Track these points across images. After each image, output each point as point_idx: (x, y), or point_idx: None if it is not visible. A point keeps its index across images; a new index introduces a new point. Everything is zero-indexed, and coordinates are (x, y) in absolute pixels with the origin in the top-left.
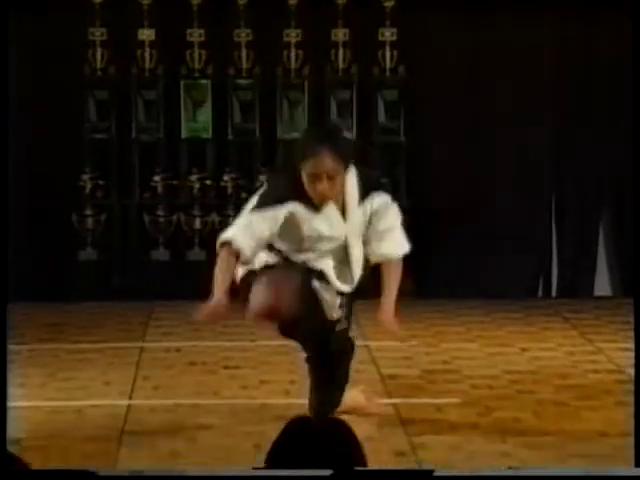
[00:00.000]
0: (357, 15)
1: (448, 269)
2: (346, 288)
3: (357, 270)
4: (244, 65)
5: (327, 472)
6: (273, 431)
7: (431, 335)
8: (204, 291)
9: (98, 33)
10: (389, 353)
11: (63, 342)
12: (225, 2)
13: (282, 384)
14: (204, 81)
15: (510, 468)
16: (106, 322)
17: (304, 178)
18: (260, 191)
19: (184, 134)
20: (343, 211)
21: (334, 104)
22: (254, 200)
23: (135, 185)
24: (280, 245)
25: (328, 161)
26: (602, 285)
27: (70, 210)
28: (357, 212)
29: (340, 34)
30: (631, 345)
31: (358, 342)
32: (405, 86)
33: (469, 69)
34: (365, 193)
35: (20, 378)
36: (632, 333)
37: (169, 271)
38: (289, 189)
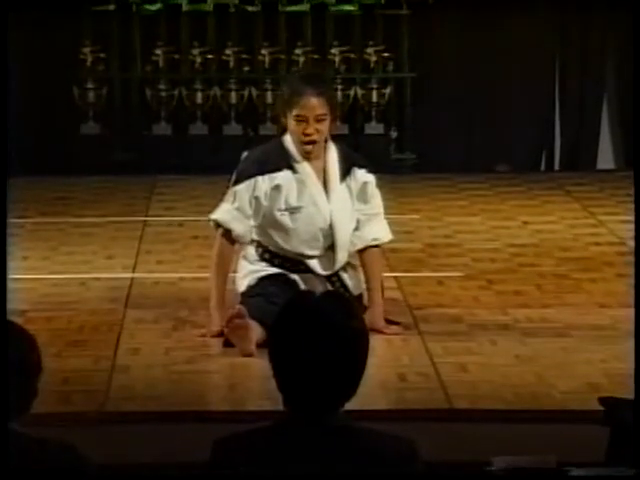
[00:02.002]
0: None
1: (452, 143)
2: (328, 273)
3: (341, 254)
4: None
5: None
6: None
7: (434, 209)
8: (206, 165)
9: None
10: (391, 227)
11: (66, 216)
12: None
13: None
14: None
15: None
16: (109, 196)
17: (290, 126)
18: (240, 162)
19: (185, 7)
20: (325, 189)
21: None
22: (233, 177)
23: (136, 58)
24: (263, 237)
25: (316, 102)
26: (605, 158)
27: (71, 83)
28: (340, 189)
29: None
30: (633, 217)
31: None
32: None
33: None
34: (346, 169)
35: (24, 251)
36: (633, 205)
37: (171, 145)
38: (271, 157)
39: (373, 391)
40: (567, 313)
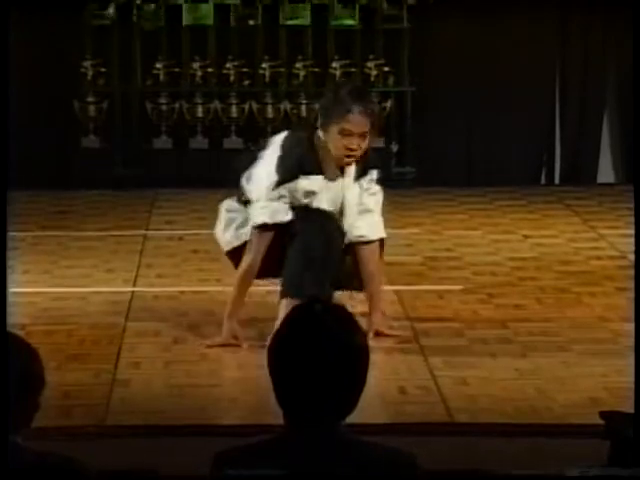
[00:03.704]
0: None
1: (452, 157)
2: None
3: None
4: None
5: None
6: (276, 319)
7: (434, 223)
8: (206, 179)
9: None
10: (391, 240)
11: (67, 229)
12: None
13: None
14: None
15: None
16: (109, 210)
17: (332, 137)
18: (277, 155)
19: (186, 21)
20: (341, 185)
21: None
22: (272, 167)
23: (137, 72)
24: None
25: (363, 119)
26: (605, 172)
27: (72, 97)
28: (354, 189)
29: None
30: (633, 231)
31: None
32: None
33: None
34: (362, 170)
35: (24, 265)
36: (634, 219)
37: (172, 159)
38: (300, 158)
39: (373, 404)
40: (567, 327)
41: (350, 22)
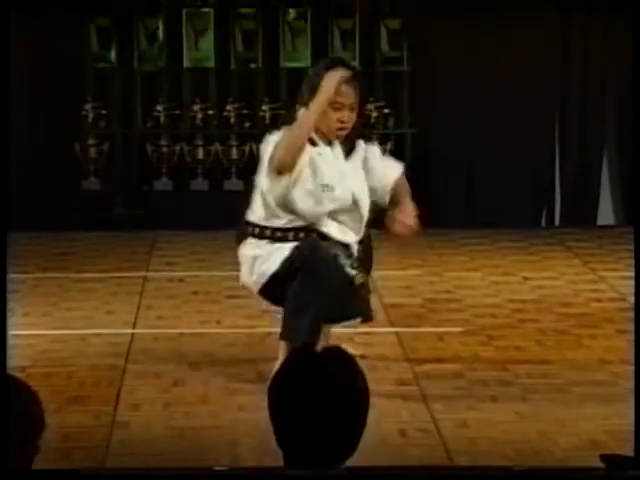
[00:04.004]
0: None
1: (452, 198)
2: (354, 238)
3: (365, 214)
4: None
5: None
6: (276, 360)
7: (434, 264)
8: (207, 221)
9: None
10: (391, 282)
11: (67, 271)
12: None
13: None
14: (206, 10)
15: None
16: (109, 252)
17: (324, 113)
18: (275, 138)
19: (186, 63)
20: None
21: (337, 33)
22: (270, 149)
23: (137, 114)
24: (295, 204)
25: (352, 90)
26: (605, 214)
27: (73, 140)
28: (352, 159)
29: None
30: (633, 274)
31: None
32: (408, 15)
33: None
34: (349, 149)
35: (24, 307)
36: (634, 261)
37: (172, 201)
38: None
39: (373, 447)
40: (568, 369)
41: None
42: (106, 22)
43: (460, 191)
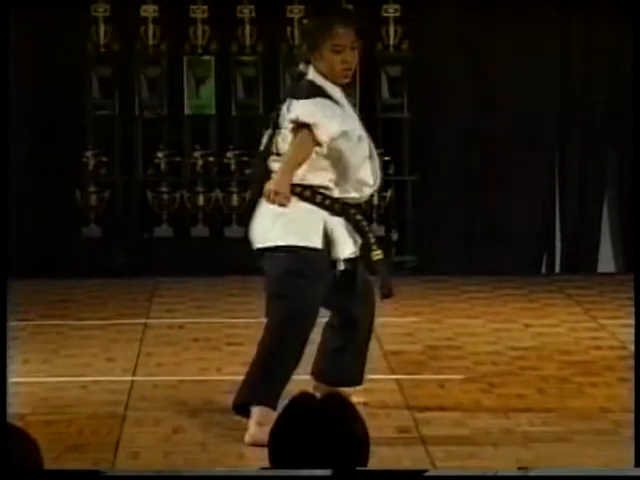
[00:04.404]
0: None
1: (453, 245)
2: (376, 186)
3: (378, 176)
4: (247, 41)
5: (326, 472)
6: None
7: (435, 311)
8: (207, 268)
9: (101, 9)
10: (392, 329)
11: (67, 319)
12: None
13: None
14: (207, 57)
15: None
16: (110, 299)
17: (326, 58)
18: (297, 99)
19: (187, 111)
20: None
21: None
22: (296, 108)
23: (138, 162)
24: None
25: (349, 30)
26: (605, 262)
27: (73, 187)
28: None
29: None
30: (633, 321)
31: None
32: (409, 62)
33: (472, 45)
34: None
35: (24, 354)
36: (634, 309)
37: (172, 248)
38: (315, 90)
39: None
40: (569, 417)
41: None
42: (107, 70)
43: (460, 238)
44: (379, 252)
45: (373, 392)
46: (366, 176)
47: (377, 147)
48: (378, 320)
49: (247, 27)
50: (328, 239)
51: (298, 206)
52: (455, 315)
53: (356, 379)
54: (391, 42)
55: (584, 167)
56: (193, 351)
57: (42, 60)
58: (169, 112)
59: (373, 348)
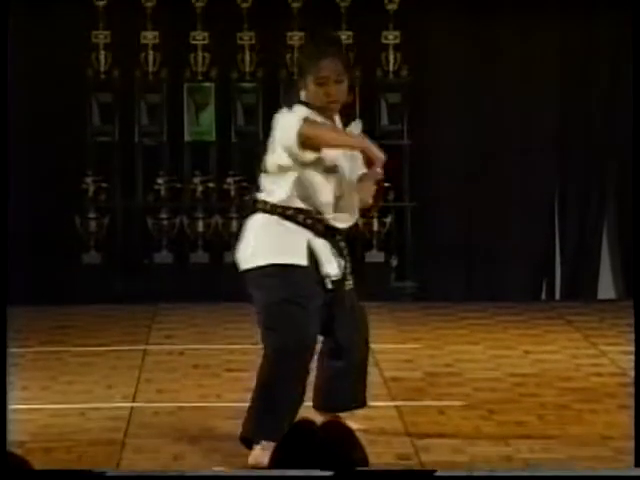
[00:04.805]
0: (360, 18)
1: (452, 272)
2: (346, 224)
3: (354, 204)
4: (247, 68)
5: (329, 473)
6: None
7: (435, 338)
8: (207, 294)
9: (102, 36)
10: (392, 355)
11: (66, 345)
12: (228, 5)
13: None
14: (207, 84)
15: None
16: (109, 325)
17: (310, 90)
18: (279, 121)
19: (187, 137)
20: None
21: None
22: (285, 121)
23: (138, 188)
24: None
25: (336, 62)
26: (605, 288)
27: (73, 213)
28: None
29: (343, 37)
30: (633, 348)
31: None
32: (408, 89)
33: (472, 71)
34: (345, 123)
35: (24, 381)
36: (634, 336)
37: (172, 274)
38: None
39: None
40: (569, 444)
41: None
42: (107, 96)
43: (460, 264)
44: (351, 282)
45: (373, 419)
46: (327, 210)
47: None
48: (378, 346)
49: (247, 54)
50: (313, 257)
51: (281, 225)
52: (455, 341)
53: (358, 399)
54: (391, 69)
55: (584, 194)
56: (193, 377)
57: (42, 86)
58: (169, 138)
59: (373, 374)
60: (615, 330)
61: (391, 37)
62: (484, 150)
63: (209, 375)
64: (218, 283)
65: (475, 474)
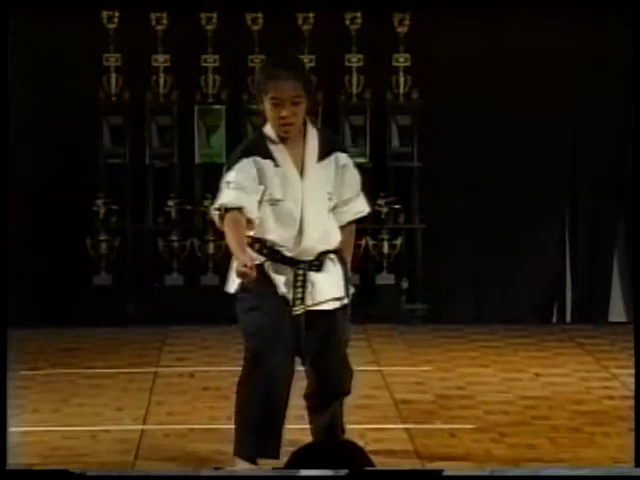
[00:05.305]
0: (370, 41)
1: (463, 294)
2: (303, 257)
3: (314, 236)
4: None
5: (328, 472)
6: (287, 456)
7: (446, 360)
8: (217, 316)
9: (113, 59)
10: (402, 378)
11: (77, 367)
12: (239, 28)
13: (296, 409)
14: (218, 106)
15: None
16: (120, 347)
17: (267, 111)
18: (228, 159)
19: (198, 159)
20: (302, 171)
21: (348, 129)
22: (224, 170)
23: (149, 210)
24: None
25: (291, 83)
26: (616, 311)
27: (84, 235)
28: (316, 170)
29: (354, 59)
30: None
31: (372, 367)
32: (418, 111)
33: (482, 94)
34: (327, 152)
35: (34, 403)
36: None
37: (183, 296)
38: (252, 147)
39: None
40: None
41: (361, 160)
42: (118, 119)
43: (470, 286)
44: (298, 309)
45: (383, 441)
46: (281, 240)
47: (387, 195)
48: (388, 369)
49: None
50: (266, 277)
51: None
52: (466, 364)
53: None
54: (401, 91)
55: (595, 216)
56: (204, 400)
57: (53, 108)
58: (180, 160)
59: (383, 397)
60: (626, 353)
61: (401, 60)
62: (494, 172)
63: (220, 397)
64: (228, 305)
65: (480, 474)
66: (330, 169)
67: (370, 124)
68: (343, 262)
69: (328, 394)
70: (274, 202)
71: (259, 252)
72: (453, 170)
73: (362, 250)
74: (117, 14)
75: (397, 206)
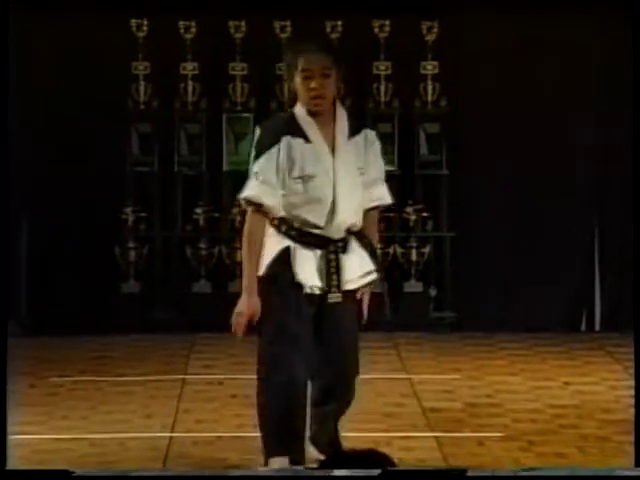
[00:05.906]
0: (399, 48)
1: (491, 302)
2: (334, 234)
3: (347, 211)
4: (286, 98)
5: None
6: (315, 464)
7: (474, 368)
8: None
9: (141, 67)
10: (431, 386)
11: (105, 375)
12: (267, 36)
13: None
14: (246, 114)
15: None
16: (148, 355)
17: (298, 86)
18: (255, 138)
19: (226, 167)
20: (333, 148)
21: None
22: (253, 151)
23: (177, 218)
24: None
25: (321, 55)
26: None
27: (113, 243)
28: (347, 146)
29: (382, 67)
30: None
31: (400, 375)
32: (446, 119)
33: (511, 101)
34: (357, 128)
35: (63, 410)
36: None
37: (211, 303)
38: (282, 127)
39: None
40: None
41: (389, 168)
42: (147, 127)
43: (499, 294)
44: (333, 296)
45: (412, 449)
46: (313, 217)
47: (415, 203)
48: (417, 377)
49: (285, 84)
50: (290, 265)
51: (272, 237)
52: (494, 372)
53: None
54: (429, 99)
55: (624, 224)
56: (231, 407)
57: (82, 117)
58: (208, 168)
59: (412, 405)
60: None
61: (430, 67)
62: (523, 180)
63: (247, 405)
64: None
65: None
66: (360, 145)
67: (398, 132)
68: (366, 238)
69: (340, 375)
70: (306, 178)
71: (286, 234)
72: (481, 178)
73: (390, 257)
74: (146, 22)
75: (425, 214)
